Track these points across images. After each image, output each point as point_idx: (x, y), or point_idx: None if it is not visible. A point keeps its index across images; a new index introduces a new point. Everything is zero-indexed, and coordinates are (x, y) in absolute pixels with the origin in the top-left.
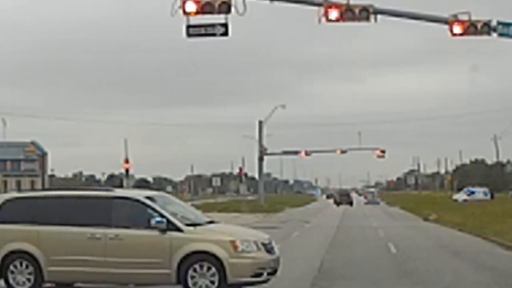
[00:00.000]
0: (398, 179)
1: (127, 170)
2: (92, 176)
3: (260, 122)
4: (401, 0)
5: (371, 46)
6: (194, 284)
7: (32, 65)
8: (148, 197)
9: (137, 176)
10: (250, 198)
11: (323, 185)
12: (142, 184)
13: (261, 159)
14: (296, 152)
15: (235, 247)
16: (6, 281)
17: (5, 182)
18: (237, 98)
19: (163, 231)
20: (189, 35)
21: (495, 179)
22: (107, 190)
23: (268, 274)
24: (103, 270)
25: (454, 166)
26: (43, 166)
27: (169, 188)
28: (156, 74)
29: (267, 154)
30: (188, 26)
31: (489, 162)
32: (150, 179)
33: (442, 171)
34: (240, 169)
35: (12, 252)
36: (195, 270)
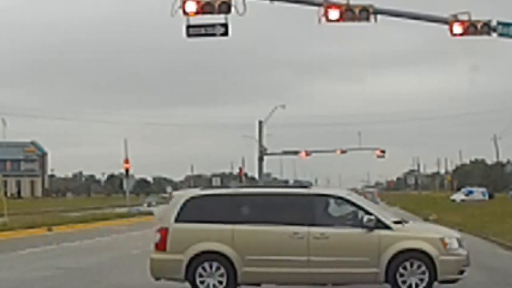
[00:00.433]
0: (398, 179)
1: (127, 170)
2: (92, 176)
3: (260, 122)
4: (401, 0)
5: (371, 46)
6: (403, 282)
7: (32, 65)
8: (348, 194)
9: (137, 176)
10: None
11: (323, 185)
12: (142, 184)
13: (261, 159)
14: (296, 152)
15: (445, 245)
16: (194, 285)
17: (5, 182)
18: (237, 98)
19: (371, 229)
20: (189, 35)
21: (495, 179)
22: (305, 187)
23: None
24: (304, 270)
25: (454, 166)
26: (43, 166)
27: (169, 188)
28: (156, 74)
29: (267, 154)
30: (188, 26)
31: (489, 162)
32: (150, 179)
33: (442, 171)
34: (240, 169)
35: (202, 253)
36: (404, 268)
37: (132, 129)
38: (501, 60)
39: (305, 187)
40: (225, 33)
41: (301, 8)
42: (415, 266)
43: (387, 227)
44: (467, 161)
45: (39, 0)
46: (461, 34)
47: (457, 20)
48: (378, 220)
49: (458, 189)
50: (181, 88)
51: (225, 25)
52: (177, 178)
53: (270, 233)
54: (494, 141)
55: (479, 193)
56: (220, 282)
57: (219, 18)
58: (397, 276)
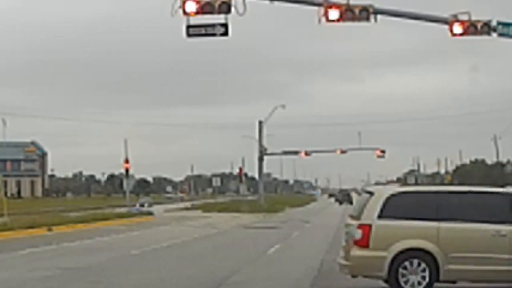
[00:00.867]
0: (398, 179)
1: (127, 170)
2: (92, 176)
3: (260, 122)
4: (401, 0)
5: (371, 46)
6: None
7: (32, 65)
8: None
9: (137, 176)
10: (250, 198)
11: (323, 185)
12: (142, 184)
13: (261, 159)
14: (296, 152)
15: None
16: (396, 282)
17: (5, 182)
18: (237, 98)
19: None
20: (189, 35)
21: (495, 179)
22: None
23: None
24: (505, 268)
25: (454, 166)
26: (43, 166)
27: (169, 188)
28: (156, 74)
29: (267, 154)
30: (188, 26)
31: (489, 162)
32: (150, 179)
33: (442, 171)
34: (240, 169)
35: (406, 250)
36: None
37: (132, 129)
38: (501, 60)
39: (502, 187)
40: (225, 33)
41: (301, 8)
42: None
43: None
44: (467, 161)
45: (39, 0)
46: (461, 34)
47: (457, 20)
48: None
49: None
50: (181, 88)
51: (225, 25)
52: (177, 178)
53: (473, 231)
54: (494, 141)
55: None
56: (423, 278)
57: (219, 18)
58: None
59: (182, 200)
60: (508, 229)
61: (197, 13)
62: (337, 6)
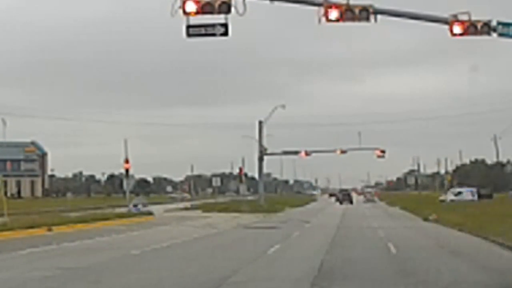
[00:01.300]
0: (398, 179)
1: (127, 170)
2: (92, 176)
3: (260, 122)
4: (401, 0)
5: (371, 46)
6: None
7: (32, 65)
8: None
9: (137, 176)
10: (250, 198)
11: (323, 185)
12: (142, 184)
13: (261, 159)
14: (296, 152)
15: None
16: None
17: (5, 182)
18: (237, 98)
19: None
20: (189, 35)
21: (495, 179)
22: None
23: None
24: None
25: (454, 166)
26: (43, 166)
27: (169, 188)
28: (156, 74)
29: (267, 154)
30: (188, 26)
31: (489, 162)
32: (150, 179)
33: (442, 171)
34: (240, 169)
35: None
36: None
37: (132, 129)
38: (501, 60)
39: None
40: (225, 33)
41: (301, 8)
42: None
43: None
44: (467, 161)
45: (39, 0)
46: (461, 34)
47: (457, 20)
48: None
49: (448, 189)
50: (181, 88)
51: (225, 25)
52: (177, 178)
53: None
54: (494, 141)
55: (468, 193)
56: None
57: (219, 18)
58: None
59: (185, 200)
60: None
61: (197, 13)
62: (337, 6)
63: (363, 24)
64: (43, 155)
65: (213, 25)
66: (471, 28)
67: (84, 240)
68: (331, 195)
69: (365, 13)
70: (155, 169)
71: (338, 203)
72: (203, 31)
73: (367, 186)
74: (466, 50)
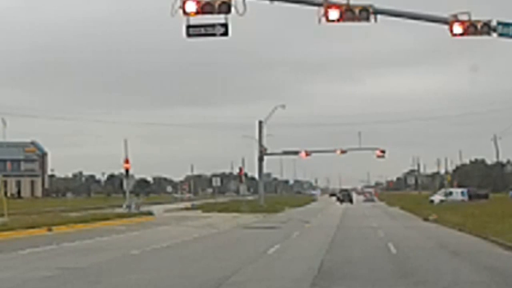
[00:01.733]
0: (398, 179)
1: (127, 170)
2: (92, 176)
3: (260, 122)
4: (401, 0)
5: (371, 46)
6: None
7: (32, 65)
8: None
9: (137, 176)
10: (250, 198)
11: (323, 185)
12: (142, 184)
13: (261, 159)
14: (296, 152)
15: None
16: None
17: (5, 182)
18: (237, 98)
19: None
20: (189, 35)
21: (495, 179)
22: None
23: None
24: None
25: (454, 166)
26: (43, 166)
27: (169, 188)
28: (156, 74)
29: (267, 154)
30: (188, 26)
31: (489, 162)
32: (150, 179)
33: (442, 171)
34: (240, 169)
35: None
36: None
37: (132, 129)
38: (501, 60)
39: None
40: (225, 33)
41: (301, 8)
42: None
43: None
44: (467, 161)
45: (39, 0)
46: (461, 34)
47: (457, 20)
48: None
49: (439, 189)
50: (181, 88)
51: (225, 25)
52: (177, 178)
53: None
54: (494, 141)
55: (458, 193)
56: None
57: (219, 18)
58: None
59: (190, 199)
60: None
61: (197, 13)
62: (337, 6)
63: (363, 24)
64: (43, 155)
65: (213, 25)
66: (471, 28)
67: (84, 240)
68: (331, 195)
69: (365, 13)
70: (155, 169)
71: (338, 203)
72: (203, 31)
73: (367, 186)
74: (466, 50)
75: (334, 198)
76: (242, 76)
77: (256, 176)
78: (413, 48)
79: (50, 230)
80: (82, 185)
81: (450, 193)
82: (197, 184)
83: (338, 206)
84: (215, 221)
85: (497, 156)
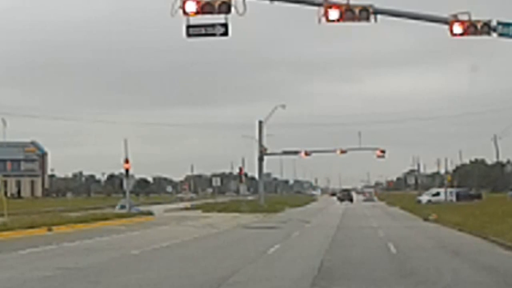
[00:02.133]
0: (398, 179)
1: (127, 170)
2: (92, 176)
3: (260, 122)
4: (401, 0)
5: (371, 46)
6: None
7: (32, 65)
8: None
9: (137, 176)
10: (250, 198)
11: (323, 185)
12: (142, 184)
13: (261, 159)
14: (296, 152)
15: None
16: None
17: (5, 182)
18: (237, 98)
19: None
20: (189, 35)
21: (495, 179)
22: None
23: None
24: None
25: (454, 166)
26: (43, 166)
27: (169, 188)
28: (156, 74)
29: (267, 154)
30: (188, 26)
31: (489, 162)
32: (150, 179)
33: (442, 171)
34: (240, 169)
35: None
36: None
37: (132, 129)
38: (500, 60)
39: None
40: (225, 33)
41: (301, 8)
42: None
43: None
44: (467, 161)
45: (39, 0)
46: (461, 34)
47: (457, 20)
48: None
49: (427, 189)
50: (181, 88)
51: (225, 25)
52: (177, 178)
53: None
54: (494, 141)
55: (446, 194)
56: None
57: (219, 18)
58: None
59: (193, 199)
60: None
61: (197, 13)
62: (337, 6)
63: (363, 24)
64: (43, 155)
65: (213, 25)
66: (471, 28)
67: (84, 240)
68: (332, 194)
69: (365, 13)
70: (155, 169)
71: (339, 202)
72: (203, 31)
73: (367, 186)
74: (466, 50)
75: (334, 197)
76: (242, 76)
77: (256, 176)
78: (413, 48)
79: (50, 230)
80: (82, 185)
81: (438, 194)
82: (197, 184)
83: (338, 206)
84: (215, 221)
85: (497, 156)
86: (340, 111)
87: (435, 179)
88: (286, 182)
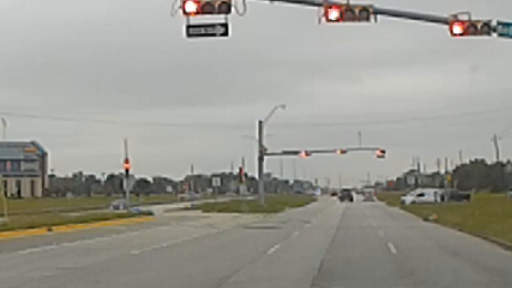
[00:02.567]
0: (398, 179)
1: (127, 170)
2: (92, 176)
3: (260, 122)
4: (401, 0)
5: (371, 46)
6: None
7: (32, 65)
8: None
9: (137, 176)
10: (250, 198)
11: (323, 185)
12: (142, 184)
13: (261, 159)
14: (296, 152)
15: None
16: None
17: (5, 182)
18: (237, 98)
19: None
20: (189, 35)
21: (495, 179)
22: None
23: None
24: None
25: (454, 166)
26: (43, 166)
27: (169, 188)
28: (156, 74)
29: (267, 154)
30: (188, 26)
31: (489, 162)
32: (150, 179)
33: (442, 171)
34: (240, 169)
35: None
36: None
37: (132, 129)
38: (500, 60)
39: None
40: (225, 33)
41: (301, 8)
42: None
43: None
44: (467, 161)
45: (39, 0)
46: (461, 34)
47: (457, 20)
48: None
49: (460, 189)
50: (181, 88)
51: (225, 25)
52: (177, 178)
53: None
54: (494, 141)
55: (430, 194)
56: None
57: (219, 18)
58: None
59: (196, 199)
60: None
61: (197, 13)
62: (337, 6)
63: (363, 24)
64: (43, 155)
65: (213, 25)
66: (471, 28)
67: (84, 240)
68: (333, 194)
69: (365, 13)
70: (155, 169)
71: (339, 202)
72: (203, 31)
73: (367, 186)
74: (465, 50)
75: (335, 197)
76: (242, 76)
77: (256, 176)
78: (413, 48)
79: (50, 230)
80: (82, 185)
81: (422, 194)
82: (197, 184)
83: (338, 206)
84: (215, 221)
85: (497, 156)
86: (340, 111)
87: (435, 179)
88: (286, 182)
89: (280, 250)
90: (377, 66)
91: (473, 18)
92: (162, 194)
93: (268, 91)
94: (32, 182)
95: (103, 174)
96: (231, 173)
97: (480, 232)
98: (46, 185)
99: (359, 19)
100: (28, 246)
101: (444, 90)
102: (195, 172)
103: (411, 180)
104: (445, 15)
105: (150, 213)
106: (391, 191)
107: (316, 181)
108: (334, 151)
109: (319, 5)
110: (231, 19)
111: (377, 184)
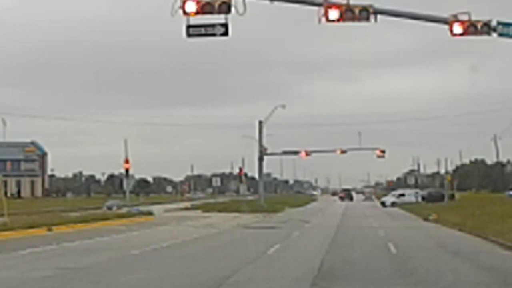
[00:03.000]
0: (398, 179)
1: (127, 170)
2: (92, 176)
3: (260, 122)
4: (401, 0)
5: (371, 46)
6: None
7: (32, 65)
8: None
9: (137, 176)
10: (250, 198)
11: (323, 185)
12: (142, 184)
13: (261, 159)
14: (296, 152)
15: None
16: None
17: (5, 182)
18: (237, 98)
19: None
20: (189, 35)
21: (495, 179)
22: None
23: None
24: None
25: (454, 166)
26: (43, 166)
27: (169, 188)
28: (156, 74)
29: (267, 154)
30: (188, 26)
31: (489, 162)
32: (150, 179)
33: (442, 171)
34: (240, 169)
35: None
36: None
37: (132, 129)
38: (500, 60)
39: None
40: (225, 33)
41: (301, 8)
42: None
43: None
44: (467, 161)
45: (39, 0)
46: (461, 34)
47: (457, 20)
48: None
49: (460, 189)
50: (181, 88)
51: (225, 25)
52: (177, 178)
53: None
54: (494, 141)
55: (411, 195)
56: None
57: (219, 18)
58: None
59: (201, 199)
60: None
61: (197, 13)
62: (337, 6)
63: (363, 24)
64: (43, 155)
65: (213, 25)
66: (471, 28)
67: (84, 240)
68: (333, 194)
69: (365, 13)
70: (155, 169)
71: (339, 202)
72: (203, 31)
73: (367, 186)
74: (465, 50)
75: (335, 197)
76: (242, 76)
77: (256, 176)
78: (413, 48)
79: (50, 230)
80: (82, 185)
81: (403, 195)
82: (197, 184)
83: (338, 206)
84: (215, 221)
85: (497, 156)
86: (340, 111)
87: (435, 179)
88: (286, 182)
89: (280, 250)
90: (377, 66)
91: (473, 18)
92: (162, 194)
93: (268, 91)
94: (32, 182)
95: (103, 174)
96: (231, 173)
97: (480, 232)
98: (46, 185)
99: (359, 19)
100: (28, 246)
101: (444, 90)
102: (195, 172)
103: (411, 180)
104: (445, 15)
105: (150, 213)
106: (391, 191)
107: (316, 181)
108: (334, 151)
109: (319, 5)
110: (231, 19)
111: (377, 184)
